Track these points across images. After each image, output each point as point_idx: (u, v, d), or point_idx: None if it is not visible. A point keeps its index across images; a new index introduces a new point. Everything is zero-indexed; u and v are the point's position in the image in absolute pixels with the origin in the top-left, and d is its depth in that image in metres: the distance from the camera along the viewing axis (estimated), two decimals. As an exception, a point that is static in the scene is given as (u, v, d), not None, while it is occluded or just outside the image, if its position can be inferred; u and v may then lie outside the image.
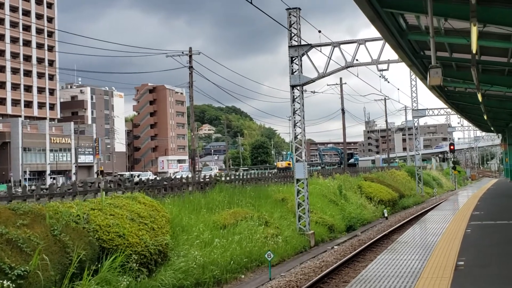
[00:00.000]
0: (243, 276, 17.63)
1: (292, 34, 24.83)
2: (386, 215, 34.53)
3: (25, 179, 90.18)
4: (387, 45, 24.31)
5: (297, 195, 24.88)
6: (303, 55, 24.88)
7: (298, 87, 24.92)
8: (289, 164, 71.16)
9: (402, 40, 13.35)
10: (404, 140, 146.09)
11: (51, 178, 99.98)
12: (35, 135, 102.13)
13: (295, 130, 25.11)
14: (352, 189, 38.98)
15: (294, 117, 25.16)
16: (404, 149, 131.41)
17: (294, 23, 24.67)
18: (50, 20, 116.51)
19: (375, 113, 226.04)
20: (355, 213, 31.71)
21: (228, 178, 28.10)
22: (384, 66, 24.60)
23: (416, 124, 51.90)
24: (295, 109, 25.07)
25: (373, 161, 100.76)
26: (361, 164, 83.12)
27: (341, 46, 24.70)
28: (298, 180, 24.97)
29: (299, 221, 24.63)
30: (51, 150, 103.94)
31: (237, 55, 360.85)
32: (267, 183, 31.55)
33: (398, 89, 46.29)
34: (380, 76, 24.65)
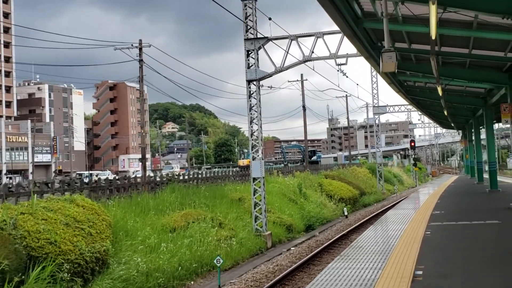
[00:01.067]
0: (192, 282, 16.49)
1: (248, 27, 23.74)
2: (346, 213, 33.78)
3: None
4: (345, 39, 23.59)
5: (254, 195, 23.81)
6: (259, 48, 23.81)
7: (255, 82, 23.84)
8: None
9: (357, 28, 12.38)
10: (366, 137, 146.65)
11: (7, 178, 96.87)
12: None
13: (252, 127, 24.03)
14: (313, 187, 38.13)
15: (251, 113, 24.06)
16: (367, 146, 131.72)
17: (250, 15, 23.55)
18: (6, 15, 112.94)
19: (338, 111, 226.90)
20: (314, 212, 30.84)
21: (182, 178, 26.87)
22: (343, 60, 23.74)
23: (377, 121, 51.45)
24: (252, 105, 23.98)
25: (336, 158, 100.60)
26: (324, 161, 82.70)
27: (299, 39, 23.74)
28: (254, 179, 23.91)
29: (255, 222, 23.58)
30: (7, 149, 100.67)
31: (201, 52, 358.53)
32: (224, 182, 30.43)
33: (358, 84, 45.75)
34: (338, 71, 23.75)
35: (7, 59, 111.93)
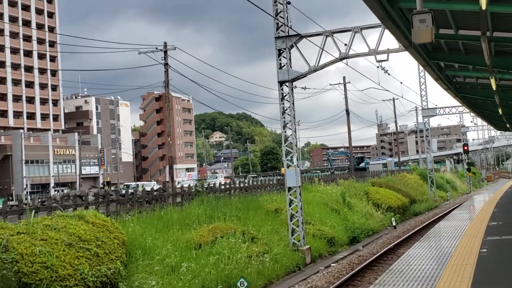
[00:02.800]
0: (216, 306, 14.75)
1: (279, 24, 21.98)
2: (394, 224, 31.45)
3: (27, 192, 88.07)
4: (386, 33, 21.52)
5: (290, 206, 21.94)
6: (291, 47, 21.99)
7: (287, 83, 22.03)
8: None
9: (392, 9, 10.42)
10: (417, 142, 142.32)
11: (55, 190, 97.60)
12: (38, 147, 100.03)
13: (285, 132, 22.20)
14: (358, 196, 35.88)
15: (284, 117, 22.24)
16: (418, 152, 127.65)
17: (281, 11, 21.80)
18: (51, 29, 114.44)
19: (387, 115, 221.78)
20: (359, 223, 28.66)
21: (213, 187, 25.20)
22: (384, 57, 21.67)
23: (426, 124, 48.69)
24: (285, 108, 22.15)
25: (385, 165, 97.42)
26: (372, 168, 79.86)
27: (335, 35, 21.82)
28: (290, 189, 22.03)
29: (292, 235, 21.68)
30: (55, 162, 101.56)
31: (245, 62, 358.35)
32: (260, 192, 28.63)
33: (401, 82, 43.40)
34: (378, 67, 21.69)
35: (54, 73, 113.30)
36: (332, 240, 24.39)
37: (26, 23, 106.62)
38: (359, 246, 24.11)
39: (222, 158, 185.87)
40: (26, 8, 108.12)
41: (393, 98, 63.25)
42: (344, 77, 46.32)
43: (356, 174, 47.80)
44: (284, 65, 22.02)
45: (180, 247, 16.77)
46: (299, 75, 21.98)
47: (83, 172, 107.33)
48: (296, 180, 21.80)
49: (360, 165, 78.30)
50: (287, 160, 22.01)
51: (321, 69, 22.16)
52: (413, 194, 44.54)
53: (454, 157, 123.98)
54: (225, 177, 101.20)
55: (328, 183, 36.49)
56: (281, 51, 21.98)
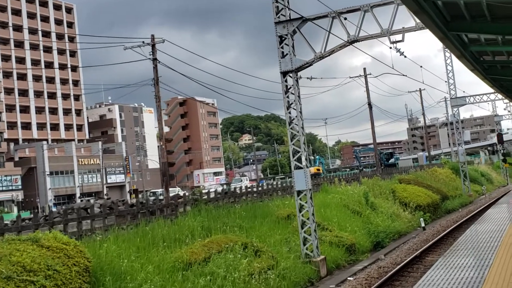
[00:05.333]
0: None
1: (279, 7, 19.45)
2: (423, 224, 28.53)
3: (54, 204, 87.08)
4: (400, 10, 18.78)
5: (300, 212, 19.38)
6: (294, 32, 19.47)
7: (291, 74, 19.49)
8: (318, 169, 65.47)
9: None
10: (449, 135, 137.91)
11: (81, 200, 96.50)
12: (62, 158, 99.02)
13: (291, 128, 19.64)
14: (383, 195, 33.02)
15: (289, 112, 19.68)
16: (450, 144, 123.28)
17: (280, -7, 19.31)
18: (71, 39, 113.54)
19: (418, 109, 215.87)
20: (383, 226, 25.87)
21: (213, 196, 22.68)
22: (398, 37, 18.95)
23: (456, 114, 45.43)
24: (290, 102, 19.61)
25: (416, 160, 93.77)
26: (402, 163, 76.48)
27: (343, 16, 19.18)
28: (299, 192, 19.51)
29: (304, 245, 19.12)
30: (79, 172, 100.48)
31: (270, 63, 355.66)
32: (271, 197, 26.08)
33: (421, 66, 39.90)
34: (391, 48, 18.97)
35: (76, 83, 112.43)
36: (352, 247, 21.74)
37: (46, 34, 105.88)
38: (381, 255, 21.30)
39: (251, 161, 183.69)
40: (45, 19, 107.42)
41: (420, 89, 59.91)
42: (364, 69, 43.49)
43: (383, 171, 44.90)
44: (286, 54, 19.50)
45: (165, 268, 14.34)
46: (303, 63, 19.42)
47: (109, 181, 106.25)
48: (306, 182, 19.27)
49: (389, 161, 74.92)
50: (295, 160, 19.43)
51: (329, 55, 19.55)
52: (445, 190, 41.48)
53: (489, 148, 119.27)
54: (250, 180, 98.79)
55: (350, 182, 33.70)
56: (283, 38, 19.47)
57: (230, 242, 17.01)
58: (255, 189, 27.52)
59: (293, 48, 19.42)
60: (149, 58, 23.10)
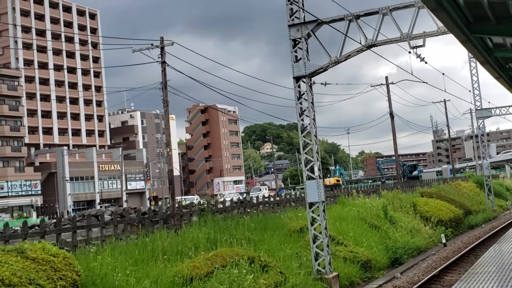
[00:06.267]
0: None
1: (293, 9, 18.54)
2: (444, 241, 27.22)
3: (73, 210, 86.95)
4: (421, 13, 17.74)
5: (312, 225, 18.34)
6: (308, 36, 18.53)
7: (304, 79, 18.53)
8: (338, 180, 64.20)
9: None
10: (474, 148, 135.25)
11: (101, 207, 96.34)
12: (82, 164, 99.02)
13: (304, 137, 18.65)
14: (404, 209, 31.77)
15: (302, 120, 18.71)
16: (478, 158, 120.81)
17: (295, -6, 18.40)
18: (95, 46, 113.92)
19: (443, 120, 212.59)
20: (402, 241, 24.66)
21: (228, 204, 21.73)
22: (419, 42, 17.88)
23: (481, 127, 43.94)
24: (303, 109, 18.64)
25: (440, 172, 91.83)
26: (426, 176, 74.80)
27: (360, 20, 18.21)
28: (311, 204, 18.46)
29: (316, 261, 18.06)
30: (100, 178, 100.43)
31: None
32: (284, 208, 25.06)
33: (443, 74, 38.19)
34: (410, 52, 17.89)
35: (98, 89, 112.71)
36: (367, 264, 20.61)
37: (69, 40, 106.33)
38: (398, 273, 20.11)
39: (271, 170, 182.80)
40: (68, 24, 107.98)
41: (444, 99, 58.42)
42: (386, 77, 42.27)
43: (405, 184, 43.58)
44: (300, 58, 18.56)
45: (163, 283, 13.42)
46: (318, 68, 18.45)
47: (129, 187, 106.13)
48: (319, 194, 18.21)
49: (412, 174, 73.34)
50: (307, 170, 18.41)
51: (345, 60, 18.58)
52: (468, 204, 40.00)
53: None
54: (269, 189, 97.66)
55: (369, 194, 32.51)
56: (296, 42, 18.55)
57: (236, 256, 16.05)
58: (271, 199, 26.62)
59: (307, 52, 18.47)
60: (157, 61, 22.33)
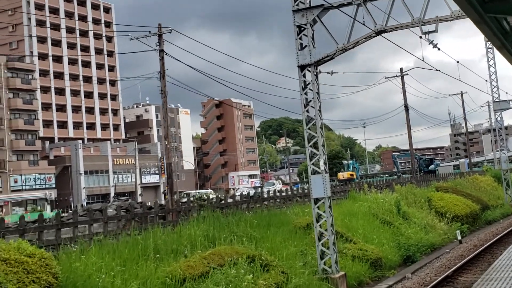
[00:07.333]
0: None
1: (298, -6, 17.52)
2: (459, 237, 26.09)
3: (87, 203, 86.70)
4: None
5: (317, 222, 17.39)
6: (314, 21, 17.50)
7: (310, 68, 17.52)
8: (351, 175, 63.06)
9: None
10: (492, 141, 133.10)
11: (114, 200, 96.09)
12: (97, 157, 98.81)
13: (309, 129, 17.66)
14: (418, 204, 30.65)
15: (307, 111, 17.71)
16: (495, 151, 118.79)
17: (300, -23, 17.40)
18: (109, 39, 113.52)
19: (460, 114, 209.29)
20: (415, 238, 23.58)
21: (228, 201, 20.79)
22: (432, 27, 16.78)
23: (499, 119, 42.59)
24: (308, 100, 17.65)
25: (457, 166, 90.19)
26: (442, 170, 73.39)
27: (369, 3, 17.14)
28: (317, 200, 17.47)
29: (321, 259, 17.11)
30: (114, 172, 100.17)
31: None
32: (290, 204, 24.11)
33: (458, 61, 36.71)
34: (421, 37, 16.78)
35: (113, 83, 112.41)
36: (377, 262, 19.61)
37: (83, 34, 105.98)
38: (409, 273, 19.05)
39: (286, 164, 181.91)
40: (82, 18, 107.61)
41: (461, 91, 56.97)
42: (401, 68, 40.99)
43: (421, 178, 42.37)
44: (305, 46, 17.56)
45: (153, 285, 12.54)
46: (324, 56, 17.45)
47: (143, 181, 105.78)
48: (324, 189, 17.22)
49: (429, 168, 71.97)
50: (313, 164, 17.44)
51: (353, 47, 17.57)
52: (486, 199, 38.72)
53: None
54: (283, 184, 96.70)
55: (381, 189, 31.41)
56: (301, 28, 17.53)
57: (235, 254, 15.14)
58: (283, 194, 25.74)
59: (313, 39, 17.48)
60: (155, 49, 21.41)
